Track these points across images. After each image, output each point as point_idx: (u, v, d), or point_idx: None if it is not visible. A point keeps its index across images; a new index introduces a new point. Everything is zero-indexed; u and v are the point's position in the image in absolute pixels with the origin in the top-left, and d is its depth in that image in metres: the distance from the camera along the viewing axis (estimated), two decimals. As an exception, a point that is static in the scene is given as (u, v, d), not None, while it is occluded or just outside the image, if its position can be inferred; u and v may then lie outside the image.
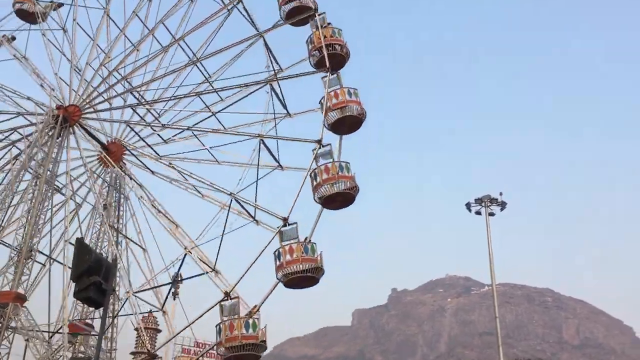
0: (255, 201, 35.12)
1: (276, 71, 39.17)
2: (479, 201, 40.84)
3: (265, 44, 39.57)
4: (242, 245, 39.41)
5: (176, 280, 41.83)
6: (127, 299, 35.16)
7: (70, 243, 37.32)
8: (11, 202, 39.01)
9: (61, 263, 39.36)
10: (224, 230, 33.55)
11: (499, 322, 40.31)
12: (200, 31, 41.18)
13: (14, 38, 45.64)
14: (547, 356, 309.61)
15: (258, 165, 36.46)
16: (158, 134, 41.89)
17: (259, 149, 37.05)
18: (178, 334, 36.63)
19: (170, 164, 38.92)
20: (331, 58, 37.62)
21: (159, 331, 61.23)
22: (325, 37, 37.76)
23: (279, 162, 37.68)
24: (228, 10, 40.64)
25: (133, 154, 41.27)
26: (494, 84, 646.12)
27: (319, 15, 39.05)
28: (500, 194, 41.09)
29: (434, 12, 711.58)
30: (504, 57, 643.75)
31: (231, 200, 35.33)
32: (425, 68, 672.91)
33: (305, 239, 33.30)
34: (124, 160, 42.60)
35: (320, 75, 37.99)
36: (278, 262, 32.40)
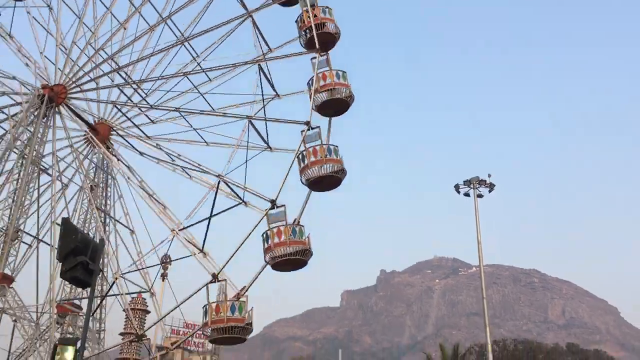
0: (245, 183, 34.84)
1: (265, 52, 38.68)
2: (467, 183, 40.92)
3: (254, 24, 38.97)
4: (232, 227, 39.22)
5: (164, 262, 41.65)
6: (114, 280, 35.01)
7: (57, 224, 36.96)
8: None
9: (48, 244, 39.17)
10: (211, 212, 33.21)
11: (486, 303, 40.43)
12: (187, 10, 40.39)
13: None
14: (533, 336, 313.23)
15: (247, 146, 36.14)
16: (145, 114, 41.39)
17: (248, 130, 36.69)
18: (167, 314, 36.50)
19: (158, 145, 38.48)
20: (321, 37, 37.04)
21: (148, 312, 61.21)
22: (315, 16, 37.15)
23: (267, 144, 37.20)
24: None
25: (119, 135, 40.74)
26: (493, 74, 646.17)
27: None
28: (489, 175, 41.18)
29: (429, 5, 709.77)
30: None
31: (219, 182, 35.07)
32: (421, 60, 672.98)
33: (294, 220, 33.07)
34: (111, 141, 42.11)
35: (309, 56, 37.42)
36: (266, 245, 32.10)
